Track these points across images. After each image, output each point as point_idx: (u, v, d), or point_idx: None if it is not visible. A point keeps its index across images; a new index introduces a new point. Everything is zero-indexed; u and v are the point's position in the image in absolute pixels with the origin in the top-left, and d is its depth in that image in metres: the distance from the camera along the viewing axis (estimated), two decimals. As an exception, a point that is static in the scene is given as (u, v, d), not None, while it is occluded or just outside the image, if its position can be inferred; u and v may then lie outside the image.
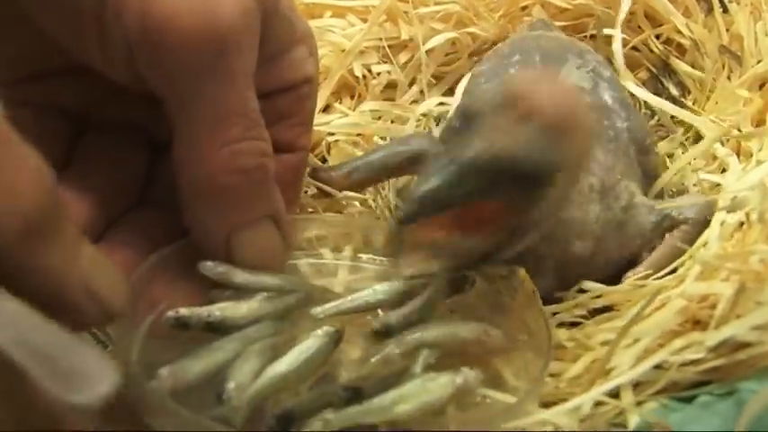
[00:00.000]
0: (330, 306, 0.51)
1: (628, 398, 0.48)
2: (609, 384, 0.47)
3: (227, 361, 0.47)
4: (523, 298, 0.52)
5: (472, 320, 0.50)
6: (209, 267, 0.52)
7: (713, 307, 0.50)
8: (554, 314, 0.56)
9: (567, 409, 0.46)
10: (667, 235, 0.62)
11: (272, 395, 0.46)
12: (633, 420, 0.47)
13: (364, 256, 0.59)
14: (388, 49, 0.82)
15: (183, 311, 0.49)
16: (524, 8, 0.87)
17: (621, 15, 0.81)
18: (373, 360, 0.48)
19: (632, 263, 0.63)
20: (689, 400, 0.49)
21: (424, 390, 0.45)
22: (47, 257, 0.36)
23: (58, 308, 0.36)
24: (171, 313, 0.49)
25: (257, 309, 0.50)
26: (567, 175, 0.49)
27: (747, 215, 0.57)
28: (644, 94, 0.78)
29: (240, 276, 0.52)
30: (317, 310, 0.50)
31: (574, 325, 0.56)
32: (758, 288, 0.50)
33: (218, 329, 0.49)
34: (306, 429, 0.43)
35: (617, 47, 0.80)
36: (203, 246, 0.49)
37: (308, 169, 0.63)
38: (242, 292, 0.51)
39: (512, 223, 0.50)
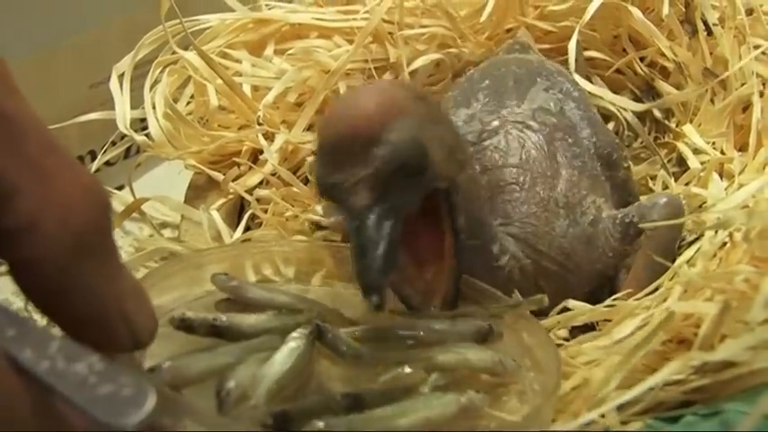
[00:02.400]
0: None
1: (613, 419, 0.47)
2: (595, 412, 0.47)
3: (229, 364, 0.47)
4: (529, 326, 0.52)
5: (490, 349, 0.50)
6: (222, 281, 0.53)
7: (697, 326, 0.50)
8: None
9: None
10: (640, 251, 0.63)
11: (278, 394, 0.46)
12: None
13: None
14: (373, 70, 0.82)
15: (189, 314, 0.49)
16: (509, 30, 0.87)
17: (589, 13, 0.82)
18: (382, 378, 0.48)
19: (609, 278, 0.64)
20: (674, 420, 0.48)
21: (427, 406, 0.45)
22: (92, 275, 0.35)
23: (90, 328, 0.35)
24: (176, 314, 0.49)
25: (265, 321, 0.51)
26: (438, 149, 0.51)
27: (731, 235, 0.57)
28: (603, 93, 0.81)
29: (253, 292, 0.53)
30: None
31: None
32: (742, 307, 0.50)
33: (222, 335, 0.49)
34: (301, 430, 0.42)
35: (571, 45, 0.80)
36: None
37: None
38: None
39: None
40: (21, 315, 0.34)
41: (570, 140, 0.66)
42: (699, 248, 0.61)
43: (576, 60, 0.80)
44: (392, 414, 0.44)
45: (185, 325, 0.49)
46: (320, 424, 0.42)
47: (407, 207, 0.50)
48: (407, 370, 0.48)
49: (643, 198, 0.70)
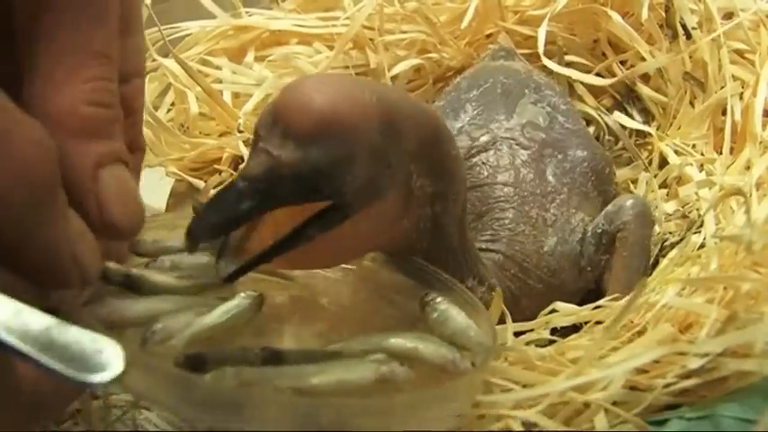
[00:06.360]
0: None
1: (601, 424, 0.47)
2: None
3: (167, 311, 0.47)
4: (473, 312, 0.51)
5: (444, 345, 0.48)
6: (113, 269, 0.50)
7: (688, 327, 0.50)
8: (523, 332, 0.56)
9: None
10: (616, 256, 0.64)
11: (202, 342, 0.46)
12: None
13: None
14: (354, 76, 0.82)
15: (111, 264, 0.48)
16: (489, 36, 0.87)
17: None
18: (327, 349, 0.47)
19: (590, 292, 0.64)
20: (660, 423, 0.48)
21: (345, 369, 0.45)
22: (45, 225, 0.36)
23: (44, 272, 0.37)
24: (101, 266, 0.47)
25: (173, 282, 0.50)
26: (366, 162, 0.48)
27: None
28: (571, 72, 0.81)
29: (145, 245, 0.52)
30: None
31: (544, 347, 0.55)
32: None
33: (133, 288, 0.48)
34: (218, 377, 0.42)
35: (541, 31, 0.81)
36: (72, 184, 0.43)
37: None
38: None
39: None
40: None
41: (560, 157, 0.66)
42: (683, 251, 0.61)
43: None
44: (307, 372, 0.44)
45: (103, 275, 0.47)
46: (231, 370, 0.42)
47: (282, 203, 0.47)
48: (354, 345, 0.47)
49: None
